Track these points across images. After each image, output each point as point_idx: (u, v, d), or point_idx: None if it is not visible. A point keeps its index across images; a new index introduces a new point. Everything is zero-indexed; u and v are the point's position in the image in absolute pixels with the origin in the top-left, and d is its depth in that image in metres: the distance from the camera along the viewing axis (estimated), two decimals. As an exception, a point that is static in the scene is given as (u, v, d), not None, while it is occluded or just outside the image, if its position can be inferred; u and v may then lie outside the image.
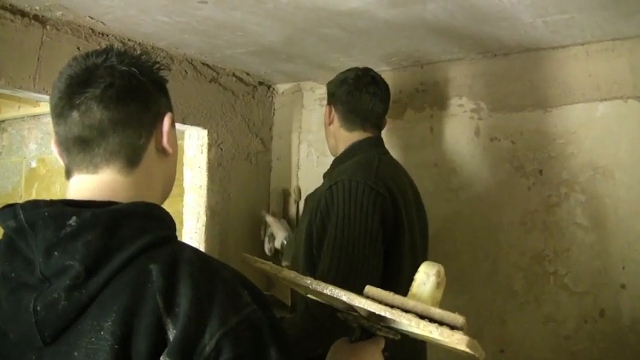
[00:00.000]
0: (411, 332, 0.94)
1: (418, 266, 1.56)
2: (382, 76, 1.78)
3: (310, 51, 2.01)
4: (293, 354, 0.77)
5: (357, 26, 1.74)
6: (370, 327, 1.01)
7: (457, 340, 0.81)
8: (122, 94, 0.83)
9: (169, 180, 0.94)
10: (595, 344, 1.84)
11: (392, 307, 0.88)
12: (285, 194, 2.50)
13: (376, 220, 1.44)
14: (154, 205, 0.83)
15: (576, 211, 1.91)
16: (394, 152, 1.98)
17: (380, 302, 0.90)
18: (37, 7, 1.63)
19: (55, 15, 1.69)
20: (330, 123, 1.75)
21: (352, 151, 1.69)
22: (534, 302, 1.95)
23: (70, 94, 0.83)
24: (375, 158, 1.62)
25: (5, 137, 3.78)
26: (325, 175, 1.76)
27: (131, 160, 0.85)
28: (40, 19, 1.68)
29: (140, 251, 0.75)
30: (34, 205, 0.78)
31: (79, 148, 0.84)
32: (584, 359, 1.85)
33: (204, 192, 2.23)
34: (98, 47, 1.74)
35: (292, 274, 1.01)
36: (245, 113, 2.40)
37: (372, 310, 0.88)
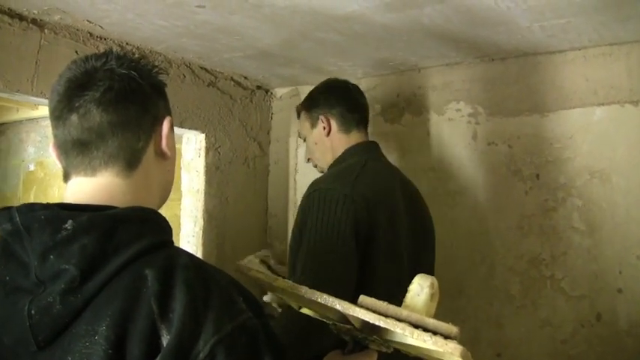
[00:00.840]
0: (405, 345, 0.94)
1: (403, 267, 1.57)
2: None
3: (307, 55, 2.02)
4: None
5: (354, 30, 1.75)
6: (363, 339, 1.00)
7: (451, 349, 0.81)
8: (121, 97, 0.83)
9: (168, 183, 0.94)
10: (592, 348, 1.84)
11: (386, 316, 0.88)
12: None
13: (349, 226, 1.46)
14: (151, 209, 0.83)
15: (573, 216, 1.91)
16: (391, 156, 1.98)
17: (374, 312, 0.90)
18: (35, 11, 1.63)
19: (53, 19, 1.69)
20: (328, 132, 1.74)
21: (344, 156, 1.70)
22: (531, 306, 1.95)
23: (70, 97, 0.83)
24: (359, 165, 1.62)
25: (3, 140, 3.78)
26: None
27: (130, 163, 0.85)
28: (38, 23, 1.68)
29: (136, 256, 0.75)
30: (30, 208, 0.78)
31: (78, 150, 0.83)
32: (581, 363, 1.85)
33: (201, 196, 2.23)
34: (96, 51, 1.75)
35: (287, 283, 1.02)
36: (243, 117, 2.40)
37: (366, 319, 0.88)
